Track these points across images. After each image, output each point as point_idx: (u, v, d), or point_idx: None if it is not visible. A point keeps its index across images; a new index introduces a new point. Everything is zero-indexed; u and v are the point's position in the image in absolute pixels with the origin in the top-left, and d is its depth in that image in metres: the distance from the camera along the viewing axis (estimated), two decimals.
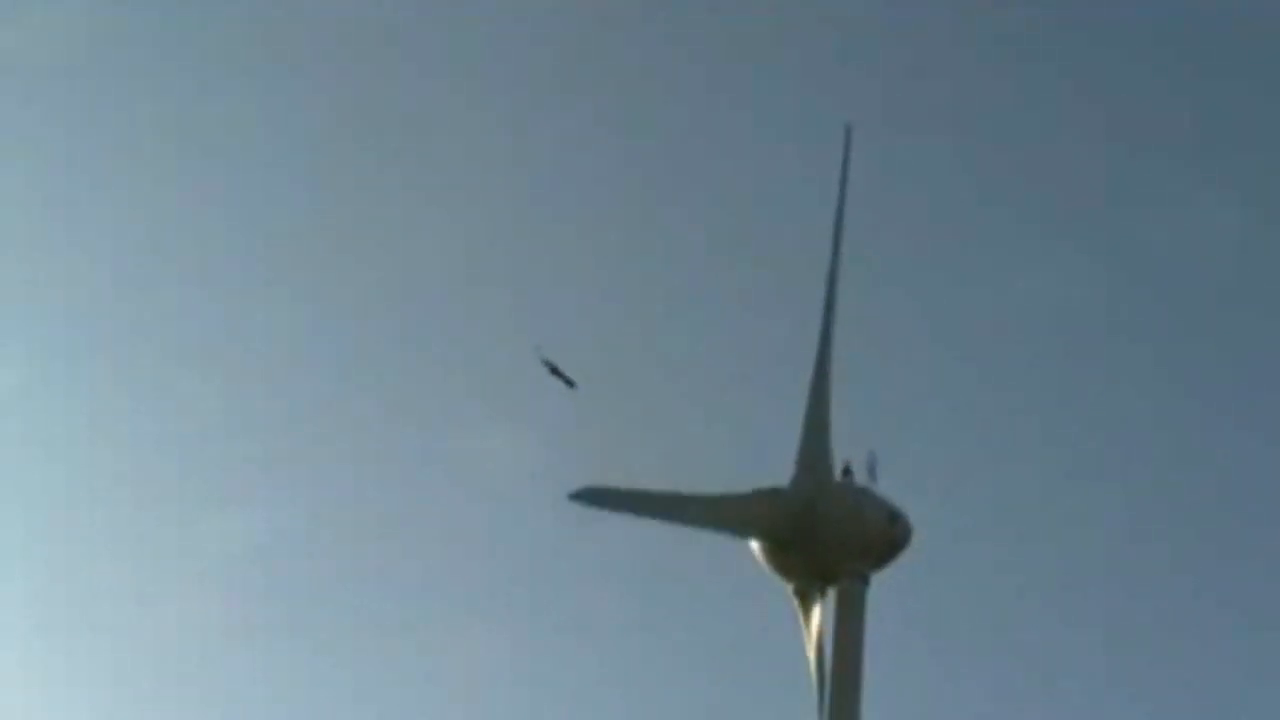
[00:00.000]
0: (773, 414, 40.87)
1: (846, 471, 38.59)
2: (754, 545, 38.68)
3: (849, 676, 37.06)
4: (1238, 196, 79.71)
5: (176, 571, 76.91)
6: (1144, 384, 77.83)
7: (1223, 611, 74.38)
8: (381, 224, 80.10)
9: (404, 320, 79.13)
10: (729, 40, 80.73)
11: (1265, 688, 70.91)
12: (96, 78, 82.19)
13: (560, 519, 72.75)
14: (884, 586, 38.56)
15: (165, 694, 73.21)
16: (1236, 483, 76.93)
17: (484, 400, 73.04)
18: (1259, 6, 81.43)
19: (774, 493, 38.45)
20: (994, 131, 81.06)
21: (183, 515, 77.15)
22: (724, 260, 77.78)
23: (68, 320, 79.76)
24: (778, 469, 38.88)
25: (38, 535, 77.75)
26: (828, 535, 37.95)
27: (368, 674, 73.18)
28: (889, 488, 38.94)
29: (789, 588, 38.64)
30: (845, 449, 39.14)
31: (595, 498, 37.45)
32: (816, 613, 38.07)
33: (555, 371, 44.58)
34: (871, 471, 38.32)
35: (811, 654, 37.81)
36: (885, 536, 38.18)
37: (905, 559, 38.58)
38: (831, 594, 38.09)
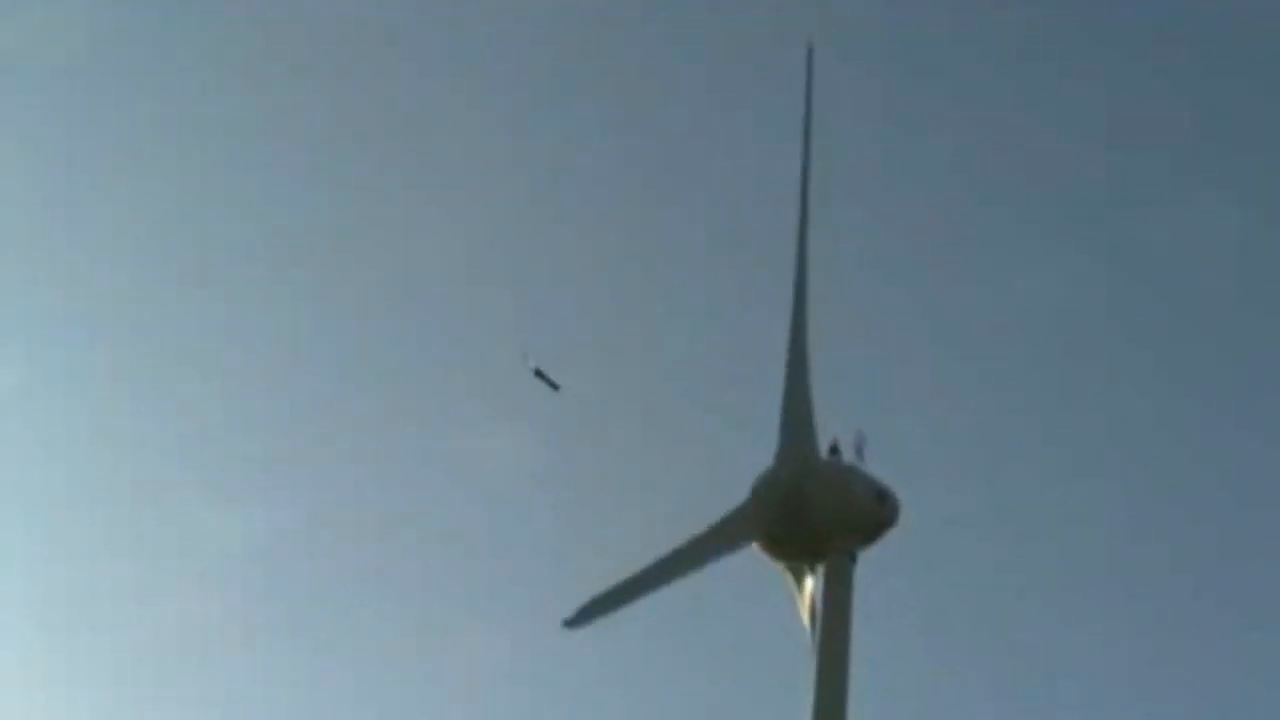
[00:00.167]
0: (774, 413, 40.69)
1: (834, 450, 38.56)
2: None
3: (837, 655, 36.91)
4: (1238, 196, 79.74)
5: (176, 571, 77.07)
6: (1144, 384, 77.82)
7: (1222, 612, 74.35)
8: (381, 224, 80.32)
9: (404, 320, 79.36)
10: (729, 40, 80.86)
11: (1261, 683, 70.86)
12: (96, 78, 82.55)
13: (560, 519, 73.47)
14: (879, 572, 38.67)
15: (165, 692, 73.36)
16: (1236, 482, 76.90)
17: (484, 400, 73.13)
18: (1259, 6, 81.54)
19: (756, 495, 38.52)
20: (994, 131, 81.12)
21: (183, 515, 77.33)
22: (724, 260, 77.89)
23: (68, 320, 80.00)
24: None
25: (38, 535, 77.98)
26: (816, 513, 37.90)
27: (367, 673, 73.25)
28: (895, 484, 38.97)
29: (780, 565, 38.65)
30: (845, 447, 39.19)
31: (590, 612, 37.90)
32: (809, 583, 38.04)
33: (540, 375, 46.76)
34: (859, 450, 38.27)
35: (806, 622, 37.76)
36: (873, 514, 38.11)
37: (904, 559, 38.72)
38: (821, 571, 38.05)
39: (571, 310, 77.63)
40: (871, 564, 38.71)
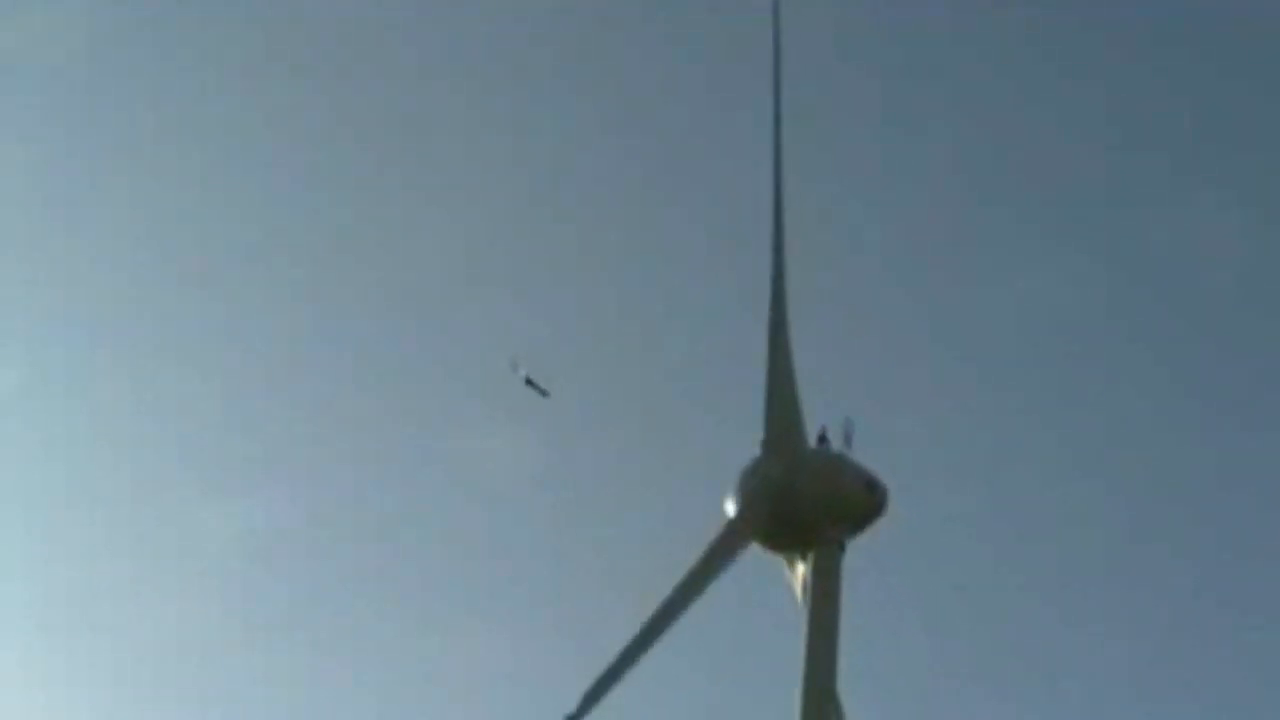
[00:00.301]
0: None
1: (823, 438, 38.52)
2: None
3: (825, 643, 36.90)
4: (1238, 196, 79.64)
5: (176, 570, 77.17)
6: (1144, 383, 77.70)
7: (1221, 610, 74.23)
8: (381, 224, 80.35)
9: (404, 320, 79.36)
10: (729, 40, 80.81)
11: (1261, 681, 70.77)
12: (96, 78, 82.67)
13: (560, 519, 73.49)
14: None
15: (164, 690, 73.46)
16: (1236, 482, 76.78)
17: (484, 400, 73.00)
18: (1259, 6, 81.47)
19: (746, 496, 38.42)
20: (994, 131, 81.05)
21: (183, 514, 77.45)
22: (724, 261, 77.78)
23: (68, 320, 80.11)
24: None
25: (37, 534, 78.10)
26: (805, 505, 37.90)
27: (366, 672, 73.26)
28: (895, 483, 38.99)
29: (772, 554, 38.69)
30: (834, 436, 39.07)
31: (591, 698, 36.78)
32: (801, 567, 38.02)
33: (530, 383, 47.98)
34: (847, 438, 38.22)
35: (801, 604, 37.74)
36: (862, 504, 38.09)
37: (905, 558, 38.57)
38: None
39: (571, 310, 77.77)
40: (871, 564, 38.91)
